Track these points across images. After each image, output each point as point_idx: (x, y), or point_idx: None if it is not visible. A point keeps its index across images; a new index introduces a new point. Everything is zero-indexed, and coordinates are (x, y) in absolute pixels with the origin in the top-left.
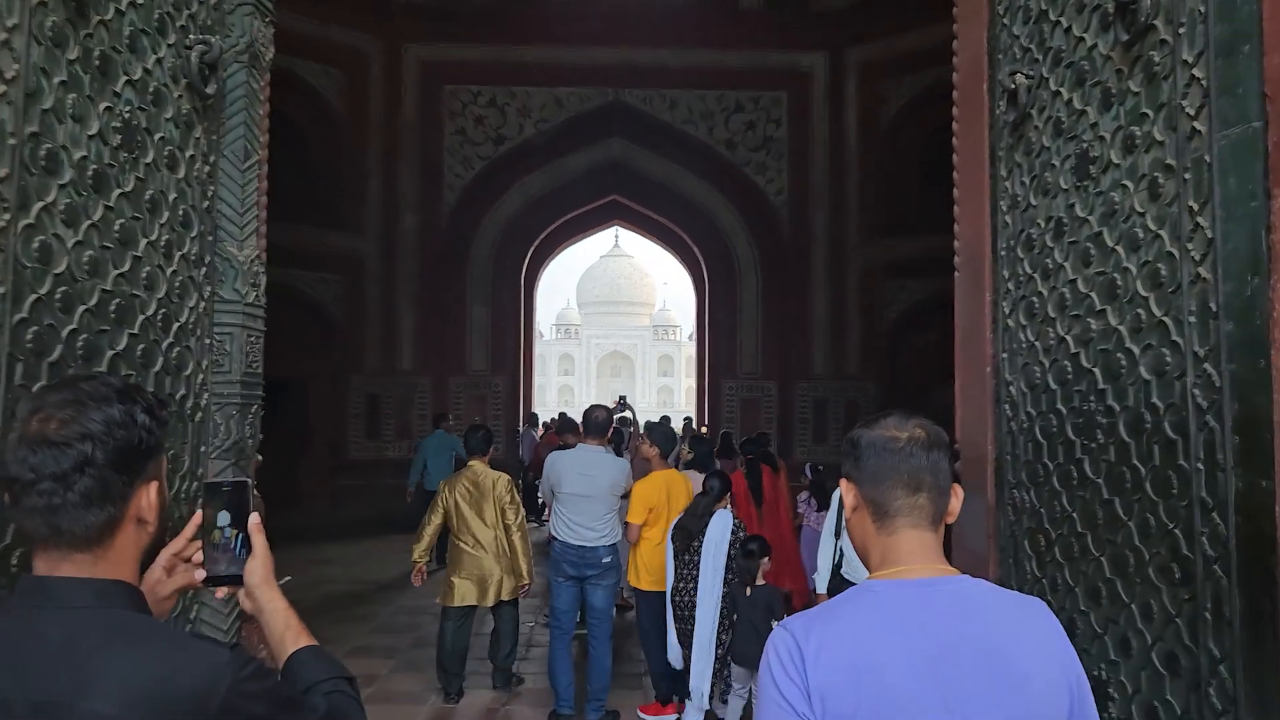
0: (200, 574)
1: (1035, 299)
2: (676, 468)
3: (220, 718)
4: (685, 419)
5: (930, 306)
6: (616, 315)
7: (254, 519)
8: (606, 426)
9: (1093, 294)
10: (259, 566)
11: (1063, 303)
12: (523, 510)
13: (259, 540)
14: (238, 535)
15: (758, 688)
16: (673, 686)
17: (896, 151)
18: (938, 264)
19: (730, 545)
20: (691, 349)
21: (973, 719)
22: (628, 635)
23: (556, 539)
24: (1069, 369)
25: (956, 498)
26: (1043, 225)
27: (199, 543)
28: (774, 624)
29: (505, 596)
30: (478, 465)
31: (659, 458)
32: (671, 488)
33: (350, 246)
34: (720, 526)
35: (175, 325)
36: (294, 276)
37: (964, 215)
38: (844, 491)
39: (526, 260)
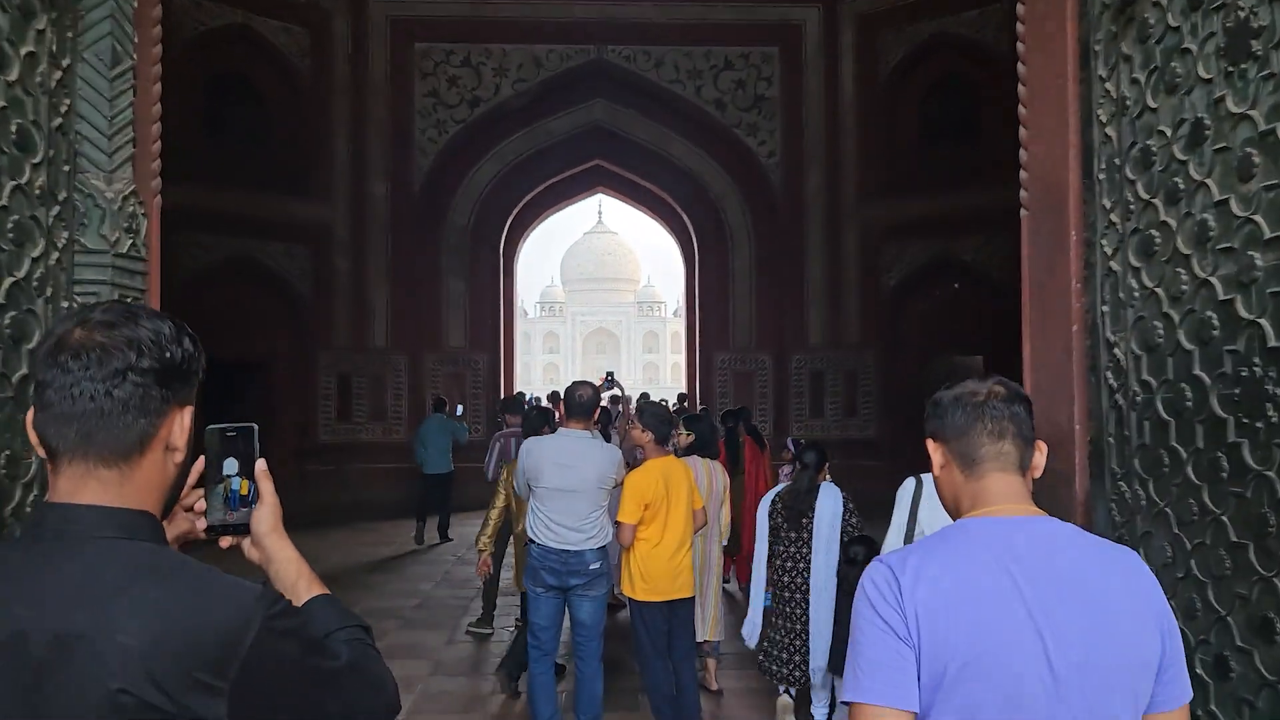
0: (202, 523)
1: (1155, 232)
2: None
3: (251, 655)
4: (680, 395)
5: (933, 270)
6: (601, 292)
7: (261, 465)
8: (591, 407)
9: (1257, 217)
10: (267, 514)
11: (1203, 234)
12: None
13: (267, 487)
14: (246, 483)
15: (854, 618)
16: (678, 715)
17: (895, 108)
18: (940, 225)
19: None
20: (677, 325)
21: (1064, 645)
22: (621, 640)
23: (534, 542)
24: (1215, 322)
25: (1040, 452)
26: (1169, 133)
27: (200, 490)
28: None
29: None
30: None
31: (654, 444)
32: (671, 478)
33: (316, 216)
34: (831, 503)
35: (8, 281)
36: (255, 248)
37: (1035, 135)
38: (931, 451)
39: (505, 230)
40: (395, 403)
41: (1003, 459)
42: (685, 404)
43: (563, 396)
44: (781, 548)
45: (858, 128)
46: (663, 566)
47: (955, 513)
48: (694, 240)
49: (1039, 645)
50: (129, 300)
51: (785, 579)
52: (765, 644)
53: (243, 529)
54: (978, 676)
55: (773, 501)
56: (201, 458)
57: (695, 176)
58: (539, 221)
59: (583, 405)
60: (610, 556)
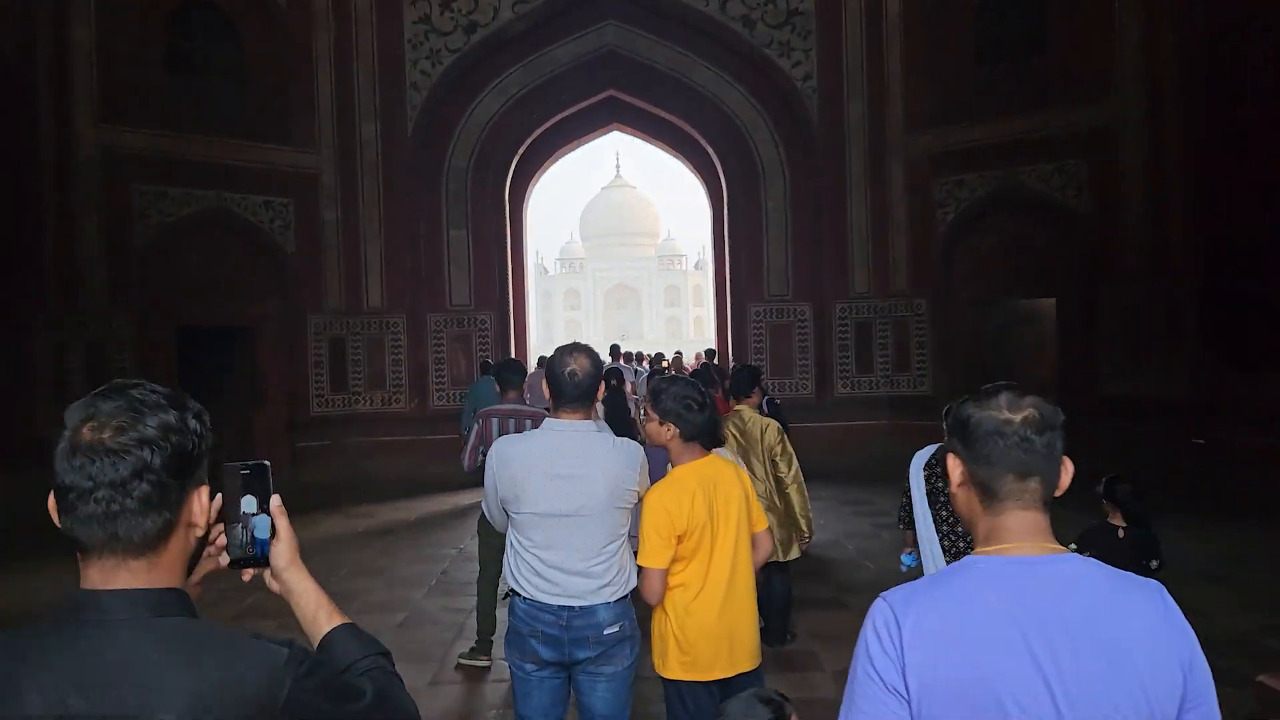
0: (225, 558)
1: None
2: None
3: (284, 715)
4: (707, 351)
5: (994, 203)
6: (621, 247)
7: (276, 501)
8: (590, 387)
9: None
10: (285, 549)
11: None
12: (796, 460)
13: (283, 522)
14: (261, 519)
15: (854, 663)
16: None
17: (947, 21)
18: (1002, 152)
19: None
20: (699, 278)
21: (1073, 695)
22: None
23: (518, 595)
24: None
25: (1066, 473)
26: None
27: (221, 526)
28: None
29: (783, 558)
30: (746, 410)
31: (679, 440)
32: (716, 490)
33: (299, 163)
34: None
35: None
36: (232, 201)
37: None
38: (950, 466)
39: (510, 173)
40: (394, 369)
41: (1026, 496)
42: (714, 361)
43: (547, 371)
44: (947, 512)
45: (905, 45)
46: (710, 627)
47: (969, 529)
48: (721, 178)
49: (1048, 698)
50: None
51: (963, 544)
52: None
53: (263, 562)
54: None
55: (929, 464)
56: (220, 495)
57: (721, 105)
58: (550, 164)
59: (578, 385)
60: (632, 613)
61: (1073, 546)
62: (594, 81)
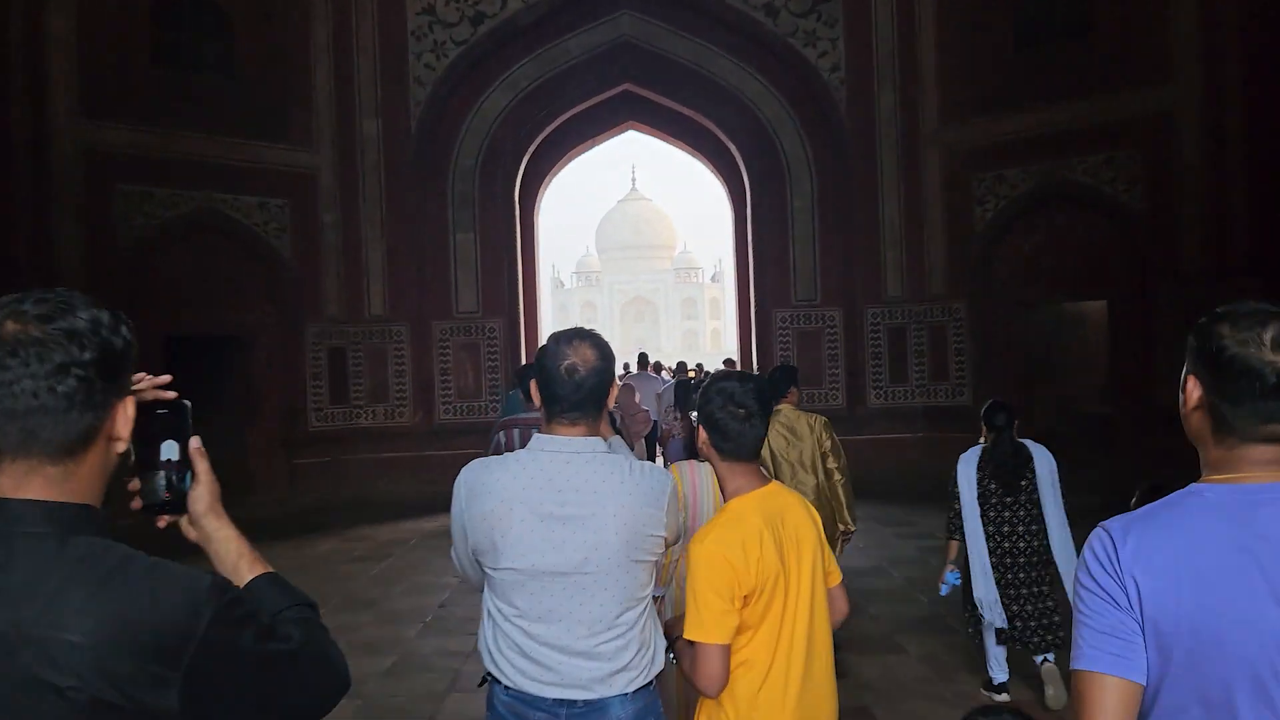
0: (137, 503)
1: None
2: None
3: (203, 644)
4: (726, 361)
5: (1038, 199)
6: (637, 260)
7: (195, 442)
8: (599, 388)
9: None
10: (204, 493)
11: None
12: (843, 453)
13: (202, 465)
14: (179, 461)
15: (1076, 586)
16: None
17: (982, 4)
18: (1046, 144)
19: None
20: (715, 291)
21: None
22: None
23: (498, 683)
24: None
25: None
26: None
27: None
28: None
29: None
30: (786, 408)
31: (721, 459)
32: (785, 529)
33: (296, 162)
34: (1043, 457)
35: None
36: (224, 202)
37: None
38: (1190, 387)
39: (520, 172)
40: (398, 380)
41: (1267, 435)
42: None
43: (537, 367)
44: (995, 513)
45: (939, 31)
46: (786, 712)
47: (1199, 448)
48: (744, 177)
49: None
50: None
51: (1007, 545)
52: (1012, 619)
53: (180, 507)
54: (1211, 660)
55: (979, 466)
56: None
57: (744, 99)
58: (563, 165)
59: (580, 385)
60: (661, 696)
61: None
62: (608, 75)
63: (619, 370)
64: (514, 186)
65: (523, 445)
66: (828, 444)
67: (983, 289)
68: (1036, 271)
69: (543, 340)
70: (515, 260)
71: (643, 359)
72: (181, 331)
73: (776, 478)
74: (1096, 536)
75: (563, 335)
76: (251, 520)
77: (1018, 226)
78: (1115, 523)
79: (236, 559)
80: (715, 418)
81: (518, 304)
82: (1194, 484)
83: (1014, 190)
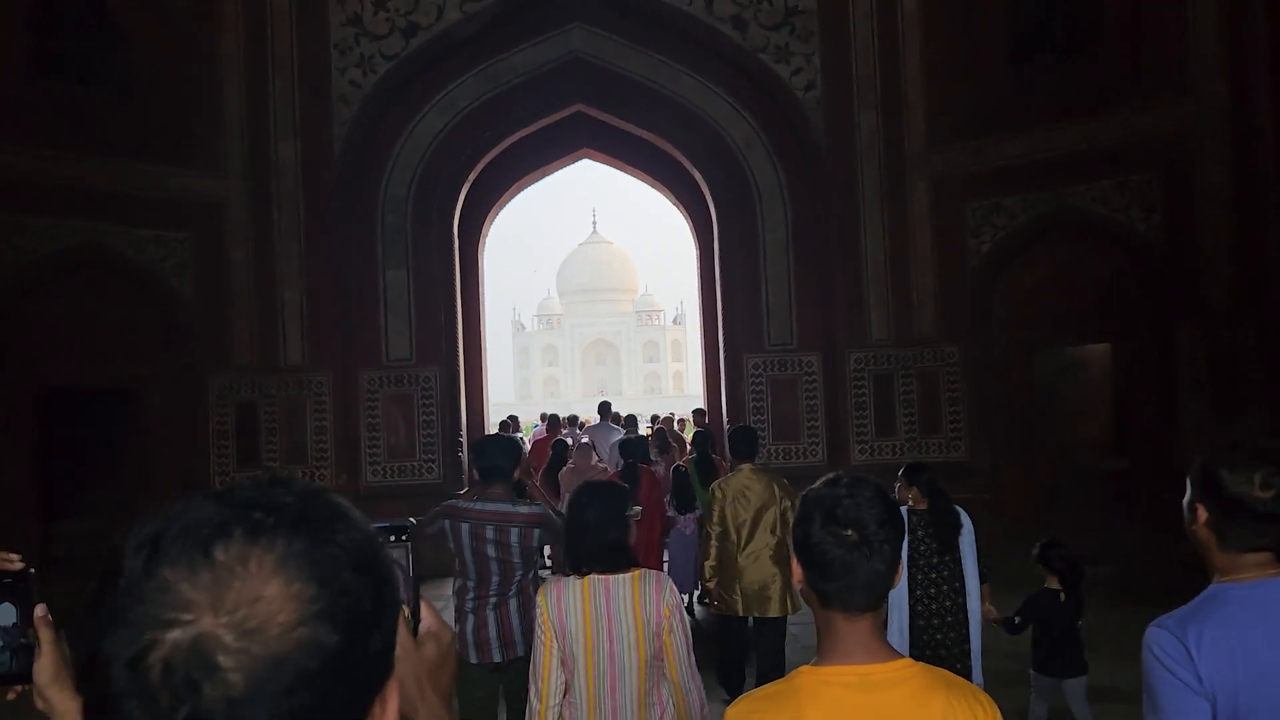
0: None
1: None
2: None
3: None
4: (696, 412)
5: (1039, 229)
6: (598, 303)
7: (40, 610)
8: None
9: None
10: (48, 664)
11: None
12: None
13: (46, 635)
14: (22, 631)
15: (1150, 681)
16: None
17: (973, 14)
18: (1048, 168)
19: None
20: (677, 333)
21: None
22: None
23: None
24: None
25: None
26: None
27: None
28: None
29: (776, 613)
30: (746, 470)
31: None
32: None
33: (201, 189)
34: (966, 518)
35: None
36: (114, 235)
37: None
38: (1197, 509)
39: (460, 202)
40: (318, 438)
41: (1255, 546)
42: (706, 421)
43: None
44: (923, 575)
45: (925, 44)
46: None
47: (1205, 559)
48: (711, 207)
49: None
50: None
51: (935, 605)
52: None
53: (26, 678)
54: (1259, 713)
55: (912, 530)
56: None
57: (709, 121)
58: (511, 196)
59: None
60: None
61: (1017, 619)
62: (558, 94)
63: (572, 420)
64: (452, 218)
65: (472, 542)
66: (787, 503)
67: (979, 331)
68: (1039, 311)
69: (491, 391)
70: (454, 301)
71: (603, 408)
72: (59, 384)
73: (732, 542)
74: (1160, 636)
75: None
76: None
77: (1018, 260)
78: (1169, 621)
79: None
80: (813, 543)
81: (457, 350)
82: (1215, 585)
83: (1012, 220)
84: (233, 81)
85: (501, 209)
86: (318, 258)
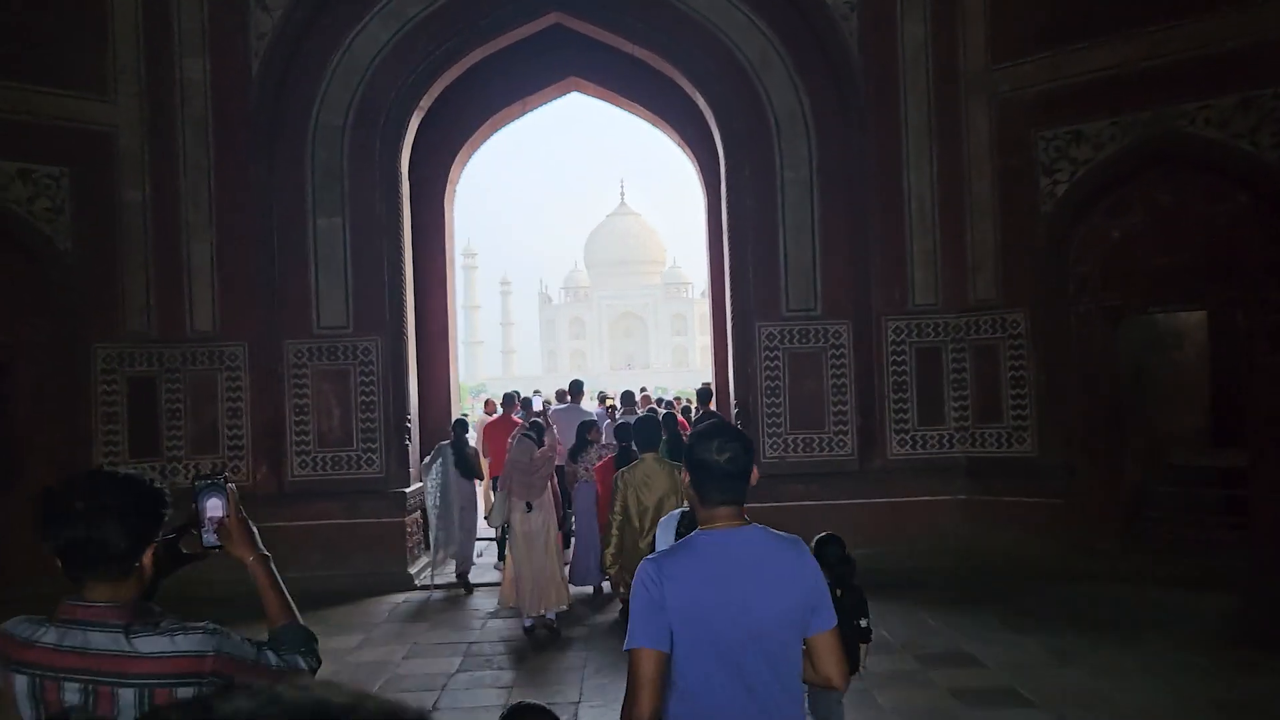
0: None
1: None
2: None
3: None
4: (702, 387)
5: (1130, 166)
6: (626, 275)
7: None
8: None
9: None
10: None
11: None
12: None
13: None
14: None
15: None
16: None
17: None
18: (1145, 83)
19: None
20: (705, 306)
21: (754, 607)
22: None
23: None
24: None
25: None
26: None
27: None
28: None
29: None
30: (650, 459)
31: None
32: None
33: (83, 115)
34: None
35: None
36: None
37: None
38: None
39: (409, 133)
40: (232, 422)
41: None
42: (707, 403)
43: None
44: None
45: None
46: None
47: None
48: (718, 141)
49: (736, 609)
50: None
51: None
52: None
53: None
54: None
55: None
56: None
57: (717, 34)
58: (487, 131)
59: None
60: None
61: None
62: (531, 1)
63: (526, 403)
64: (399, 153)
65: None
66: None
67: (1051, 294)
68: (1131, 268)
69: (456, 367)
70: (401, 256)
71: (575, 387)
72: None
73: (635, 529)
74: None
75: None
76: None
77: (1103, 205)
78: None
79: None
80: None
81: (404, 316)
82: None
83: (1098, 153)
84: None
85: (475, 149)
86: (231, 201)
